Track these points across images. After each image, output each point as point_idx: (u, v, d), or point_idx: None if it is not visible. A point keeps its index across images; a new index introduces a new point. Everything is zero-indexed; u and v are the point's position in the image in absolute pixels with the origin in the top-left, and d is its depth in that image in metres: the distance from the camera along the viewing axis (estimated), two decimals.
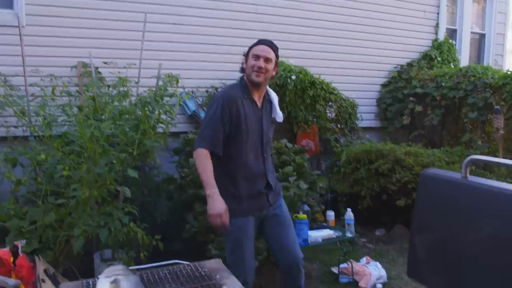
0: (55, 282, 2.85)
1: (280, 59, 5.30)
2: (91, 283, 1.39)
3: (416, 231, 1.98)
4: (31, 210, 2.99)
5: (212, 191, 2.36)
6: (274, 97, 2.73)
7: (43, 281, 2.70)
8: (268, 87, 2.68)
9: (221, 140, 2.46)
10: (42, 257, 2.91)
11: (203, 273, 1.49)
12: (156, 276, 1.44)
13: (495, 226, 1.69)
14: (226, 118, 2.46)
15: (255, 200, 2.58)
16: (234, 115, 2.47)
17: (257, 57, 2.51)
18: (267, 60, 2.52)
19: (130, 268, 1.32)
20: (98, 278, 1.29)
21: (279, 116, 2.74)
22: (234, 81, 4.90)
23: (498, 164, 2.05)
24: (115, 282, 1.19)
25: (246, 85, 2.58)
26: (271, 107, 2.71)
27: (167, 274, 1.46)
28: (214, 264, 1.60)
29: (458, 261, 1.82)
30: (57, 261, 3.15)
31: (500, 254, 1.67)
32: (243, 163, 2.53)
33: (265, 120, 2.63)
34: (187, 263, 1.57)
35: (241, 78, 2.63)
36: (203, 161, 2.41)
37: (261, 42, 2.57)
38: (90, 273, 3.46)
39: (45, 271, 2.82)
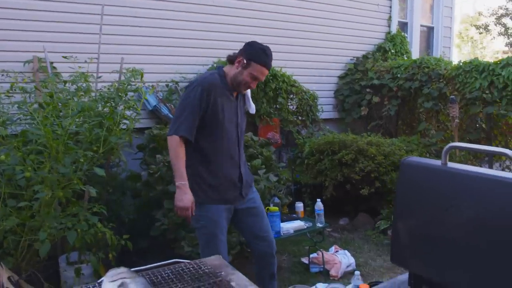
0: None
1: None
2: None
3: (398, 218, 2.00)
4: None
5: (182, 183, 2.39)
6: (247, 90, 2.71)
7: None
8: None
9: (195, 127, 2.42)
10: (3, 264, 2.73)
11: (206, 270, 1.43)
12: (160, 277, 1.37)
13: (475, 210, 1.73)
14: (204, 105, 2.42)
15: (228, 190, 2.56)
16: (211, 103, 2.43)
17: (255, 78, 2.48)
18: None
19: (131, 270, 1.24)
20: (98, 283, 1.20)
21: (252, 108, 2.75)
22: (194, 75, 4.90)
23: (477, 150, 2.12)
24: (122, 285, 1.11)
25: (224, 76, 2.53)
26: (244, 99, 2.72)
27: (170, 274, 1.39)
28: (215, 260, 1.54)
29: (439, 245, 1.85)
30: (19, 267, 2.96)
31: (480, 236, 1.72)
32: (218, 152, 2.51)
33: (239, 112, 2.61)
34: (188, 261, 1.51)
35: (219, 68, 2.59)
36: (176, 149, 2.41)
37: (265, 64, 2.46)
38: (55, 277, 3.30)
39: (9, 278, 2.64)
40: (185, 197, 2.39)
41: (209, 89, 2.43)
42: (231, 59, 2.53)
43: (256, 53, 2.44)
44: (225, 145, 2.52)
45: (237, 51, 2.53)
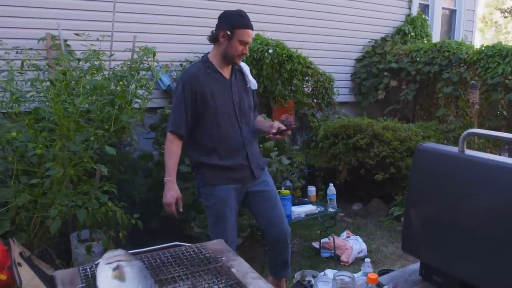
0: (32, 265, 2.71)
1: (256, 32, 5.25)
2: (88, 270, 1.28)
3: (411, 205, 1.95)
4: (2, 191, 2.81)
5: (168, 179, 2.46)
6: (244, 66, 2.70)
7: (20, 264, 2.56)
8: None
9: (185, 121, 2.48)
10: (16, 240, 2.76)
11: (207, 255, 1.40)
12: (158, 260, 1.34)
13: (492, 199, 1.67)
14: (190, 98, 2.46)
15: (237, 172, 2.55)
16: (198, 92, 2.46)
17: (245, 43, 2.47)
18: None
19: (129, 252, 1.22)
20: (96, 265, 1.18)
21: (253, 83, 2.71)
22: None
23: (496, 138, 2.04)
24: (117, 268, 1.09)
25: (208, 61, 2.54)
26: (243, 77, 2.67)
27: (169, 258, 1.36)
28: (217, 245, 1.51)
29: (454, 234, 1.80)
30: (32, 243, 3.01)
31: (497, 227, 1.66)
32: (218, 137, 2.51)
33: (236, 91, 2.58)
34: (189, 244, 1.48)
35: (203, 56, 2.60)
36: (168, 146, 2.51)
37: (247, 25, 2.47)
38: (67, 254, 3.33)
39: (21, 254, 2.68)
40: (169, 193, 2.45)
41: (190, 81, 2.46)
42: (213, 38, 2.52)
43: (234, 20, 2.46)
44: (224, 129, 2.51)
45: (213, 29, 2.52)
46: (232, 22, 2.45)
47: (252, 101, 2.72)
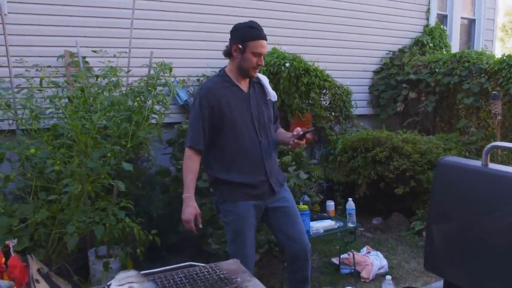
0: (50, 281, 2.71)
1: (273, 46, 5.26)
2: None
3: (433, 222, 1.90)
4: (21, 207, 2.83)
5: (186, 195, 2.45)
6: (263, 78, 2.68)
7: (37, 281, 2.56)
8: None
9: (203, 136, 2.47)
10: (34, 256, 2.78)
11: (222, 275, 1.37)
12: (172, 281, 1.32)
13: None
14: (207, 113, 2.45)
15: (256, 189, 2.52)
16: (215, 107, 2.46)
17: (260, 55, 2.46)
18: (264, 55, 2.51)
19: (142, 272, 1.20)
20: (108, 286, 1.17)
21: (273, 95, 2.68)
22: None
23: None
24: None
25: (225, 75, 2.54)
26: (263, 89, 2.65)
27: (183, 278, 1.34)
28: (231, 265, 1.48)
29: (478, 251, 1.74)
30: (50, 259, 3.02)
31: None
32: (236, 151, 2.49)
33: (254, 103, 2.56)
34: (203, 265, 1.45)
35: (220, 70, 2.60)
36: (186, 162, 2.50)
37: (259, 36, 2.45)
38: (85, 270, 3.34)
39: (39, 270, 2.68)
40: (187, 209, 2.43)
41: (207, 95, 2.47)
42: (227, 53, 2.53)
43: (245, 32, 2.44)
44: (242, 143, 2.49)
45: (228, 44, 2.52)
46: (243, 35, 2.44)
47: (272, 114, 2.69)
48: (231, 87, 2.52)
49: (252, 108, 2.54)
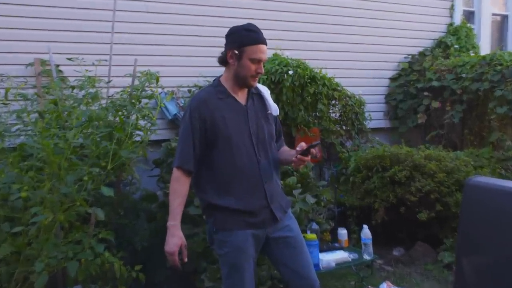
0: None
1: (274, 51, 5.29)
2: None
3: (463, 253, 1.87)
4: None
5: (171, 223, 2.43)
6: (263, 89, 2.68)
7: None
8: None
9: (193, 155, 2.46)
10: None
11: None
12: None
13: None
14: (197, 127, 2.45)
15: (255, 216, 2.49)
16: (208, 120, 2.45)
17: (259, 61, 2.46)
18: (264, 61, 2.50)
19: None
20: None
21: (274, 109, 2.68)
22: None
23: None
24: None
25: (220, 85, 2.55)
26: (263, 102, 2.65)
27: None
28: None
29: None
30: None
31: None
32: (232, 171, 2.47)
33: (253, 117, 2.55)
34: None
35: (214, 80, 2.61)
36: (173, 184, 2.48)
37: (258, 40, 2.45)
38: None
39: None
40: (171, 240, 2.41)
41: (199, 107, 2.46)
42: (222, 60, 2.53)
43: (241, 36, 2.44)
44: (238, 162, 2.47)
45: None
46: (240, 39, 2.44)
47: (274, 129, 2.68)
48: (226, 98, 2.51)
49: (250, 122, 2.53)
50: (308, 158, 2.48)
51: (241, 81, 2.50)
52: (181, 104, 4.97)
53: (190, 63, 5.10)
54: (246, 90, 2.58)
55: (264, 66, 2.52)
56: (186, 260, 2.45)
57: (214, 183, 2.50)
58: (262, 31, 2.49)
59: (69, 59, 3.76)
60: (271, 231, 2.54)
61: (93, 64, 3.75)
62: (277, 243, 2.57)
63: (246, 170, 2.49)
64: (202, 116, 2.44)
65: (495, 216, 1.77)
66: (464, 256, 1.86)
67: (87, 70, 3.65)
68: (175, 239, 2.40)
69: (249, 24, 2.49)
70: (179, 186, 2.46)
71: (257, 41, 2.44)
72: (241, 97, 2.56)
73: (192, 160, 2.45)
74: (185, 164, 2.45)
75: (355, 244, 4.43)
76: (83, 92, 3.58)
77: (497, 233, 1.76)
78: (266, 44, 2.47)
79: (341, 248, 3.67)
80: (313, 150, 2.45)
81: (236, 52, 2.43)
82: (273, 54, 5.24)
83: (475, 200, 1.85)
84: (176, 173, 2.47)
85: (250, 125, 2.52)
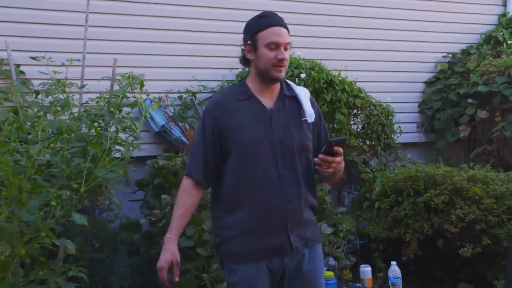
0: None
1: None
2: None
3: None
4: None
5: (168, 236, 2.53)
6: (301, 92, 2.67)
7: None
8: (286, 80, 2.67)
9: (204, 164, 2.53)
10: None
11: None
12: None
13: None
14: (210, 133, 2.52)
15: (269, 239, 2.50)
16: (222, 124, 2.51)
17: (276, 45, 2.47)
18: (286, 46, 2.51)
19: None
20: None
21: (310, 114, 2.63)
22: (218, 82, 4.89)
23: None
24: None
25: (243, 85, 2.61)
26: (297, 106, 2.63)
27: None
28: None
29: None
30: None
31: None
32: (245, 186, 2.49)
33: (279, 123, 2.55)
34: None
35: (243, 79, 2.71)
36: (179, 195, 2.59)
37: (270, 22, 2.50)
38: None
39: None
40: (162, 254, 2.49)
41: (213, 110, 2.56)
42: (243, 60, 2.62)
43: (252, 25, 2.54)
44: (250, 175, 2.49)
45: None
46: (252, 28, 2.52)
47: (309, 139, 2.62)
48: (247, 100, 2.55)
49: (274, 128, 2.53)
50: (334, 159, 2.39)
51: (265, 76, 2.53)
52: (171, 114, 4.99)
53: (181, 64, 5.13)
54: (276, 90, 2.60)
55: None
56: (177, 279, 2.50)
57: (223, 199, 2.56)
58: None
59: (33, 57, 3.80)
60: (289, 259, 2.53)
61: (63, 65, 3.78)
62: (294, 276, 2.56)
63: (261, 185, 2.49)
64: (215, 121, 2.51)
65: None
66: None
67: (55, 72, 3.67)
68: (166, 254, 2.47)
69: (264, 12, 2.58)
70: (184, 197, 2.55)
71: (269, 24, 2.48)
72: (268, 98, 2.57)
73: (201, 169, 2.52)
74: (194, 173, 2.53)
75: (381, 284, 4.43)
76: (50, 98, 3.60)
77: None
78: (283, 27, 2.50)
79: None
80: (338, 149, 2.38)
81: (250, 42, 2.50)
82: None
83: None
84: (184, 182, 2.57)
85: (273, 133, 2.53)
